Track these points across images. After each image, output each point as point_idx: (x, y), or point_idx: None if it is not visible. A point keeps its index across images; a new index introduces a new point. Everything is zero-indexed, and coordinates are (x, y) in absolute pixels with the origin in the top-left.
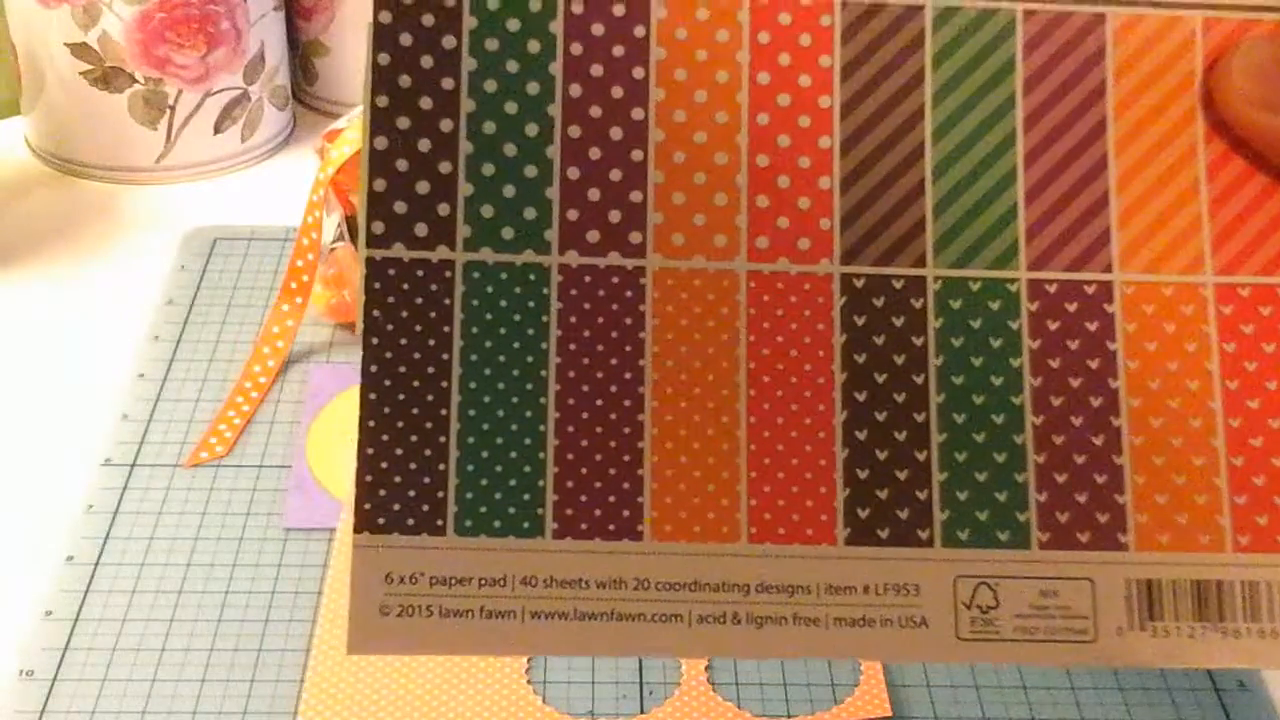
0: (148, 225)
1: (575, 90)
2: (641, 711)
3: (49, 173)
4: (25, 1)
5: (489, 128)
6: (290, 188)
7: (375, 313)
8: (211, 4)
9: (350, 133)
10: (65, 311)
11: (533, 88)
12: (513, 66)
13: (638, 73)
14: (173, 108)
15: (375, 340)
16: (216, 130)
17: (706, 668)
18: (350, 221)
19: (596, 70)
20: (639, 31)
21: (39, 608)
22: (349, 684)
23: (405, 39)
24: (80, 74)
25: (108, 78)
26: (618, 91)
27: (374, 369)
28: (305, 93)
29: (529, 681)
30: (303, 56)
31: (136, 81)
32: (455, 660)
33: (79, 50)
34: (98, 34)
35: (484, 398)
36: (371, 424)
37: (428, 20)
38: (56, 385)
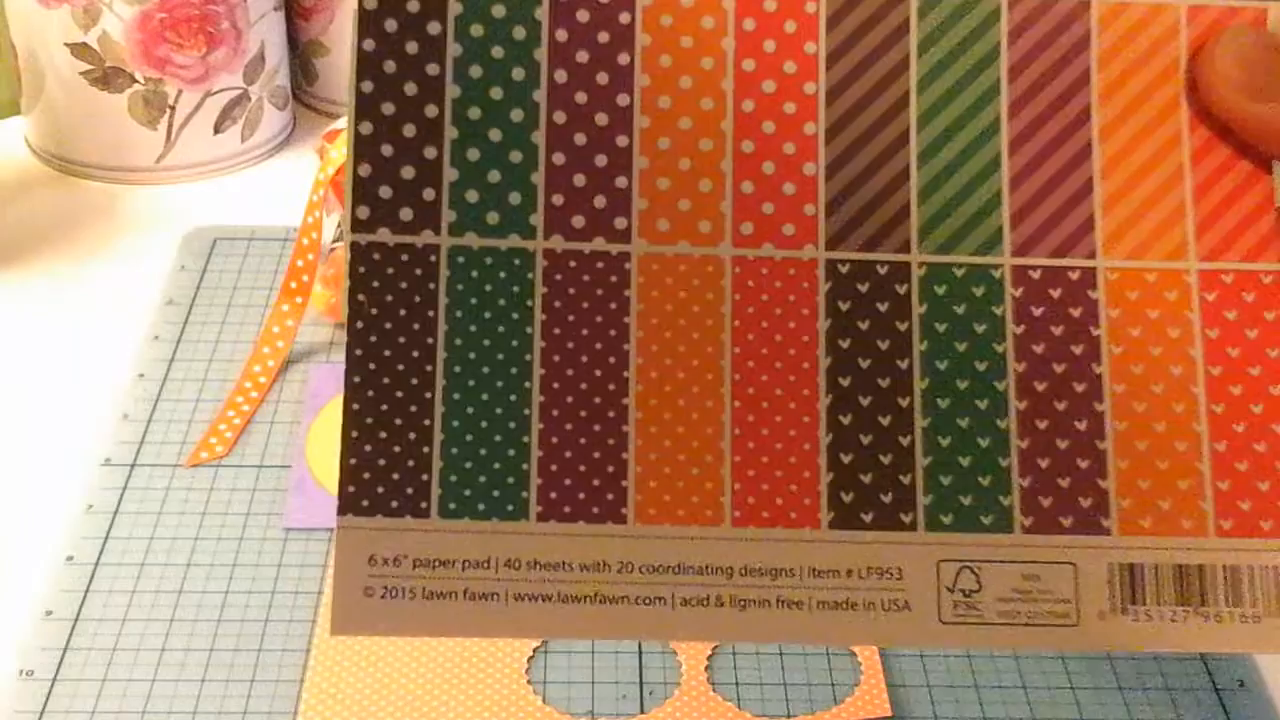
0: (148, 225)
1: (560, 76)
2: (641, 711)
3: (49, 173)
4: (25, 1)
5: (474, 113)
6: (290, 188)
7: (360, 297)
8: (211, 4)
9: None
10: (65, 311)
11: (518, 73)
12: (498, 52)
13: (623, 59)
14: (173, 108)
15: (360, 324)
16: (216, 130)
17: (706, 668)
18: None
19: (582, 56)
20: (624, 18)
21: (39, 608)
22: (349, 684)
23: (390, 25)
24: (80, 74)
25: (108, 78)
26: (603, 77)
27: (358, 353)
28: (305, 93)
29: (529, 681)
30: (303, 56)
31: (136, 81)
32: (455, 660)
33: (79, 50)
34: (98, 34)
35: (468, 381)
36: (356, 407)
37: (413, 6)
38: (56, 385)
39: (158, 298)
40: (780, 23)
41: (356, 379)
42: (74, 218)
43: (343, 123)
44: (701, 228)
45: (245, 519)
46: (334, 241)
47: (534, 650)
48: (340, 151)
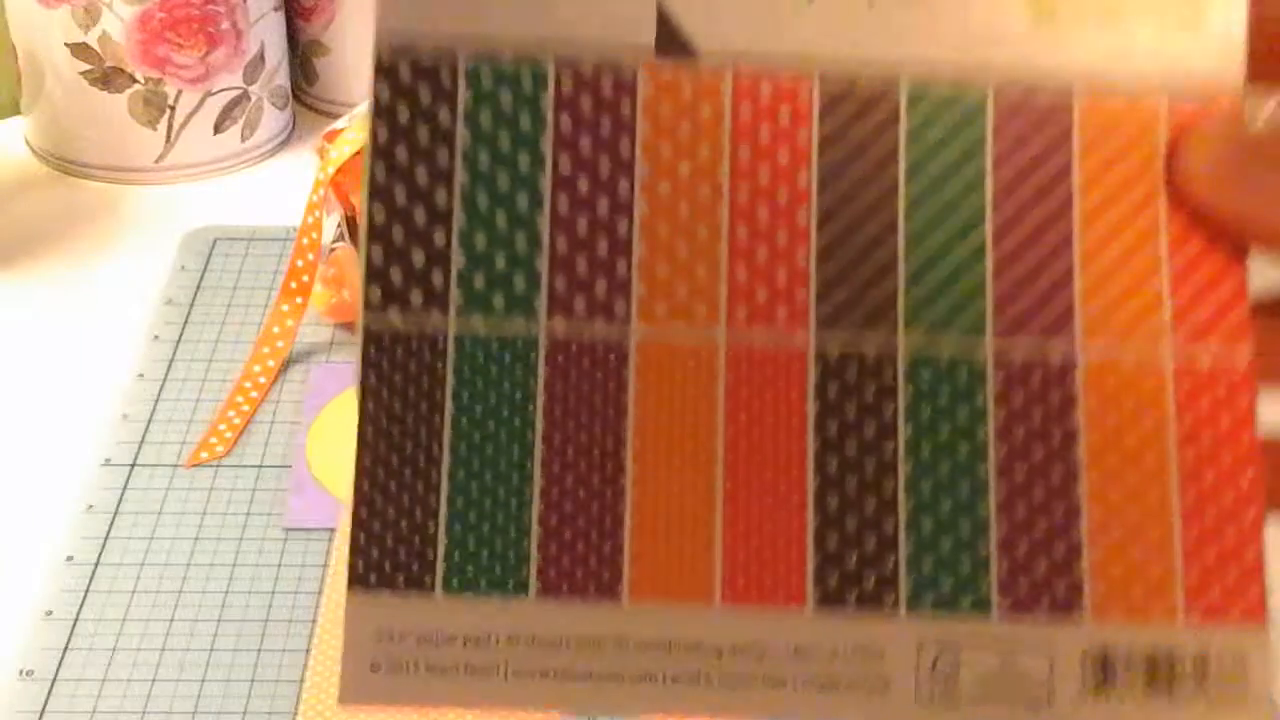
0: (148, 225)
1: (565, 165)
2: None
3: (49, 173)
4: (25, 1)
5: (481, 200)
6: (290, 188)
7: (371, 380)
8: (211, 4)
9: (350, 133)
10: (65, 311)
11: (524, 161)
12: (505, 141)
13: (624, 148)
14: (173, 108)
15: (371, 406)
16: (216, 130)
17: None
18: (350, 221)
19: (584, 145)
20: (625, 107)
21: (39, 608)
22: None
23: (403, 114)
24: (80, 74)
25: (108, 78)
26: (605, 166)
27: (369, 434)
28: (305, 93)
29: None
30: (303, 56)
31: (136, 81)
32: None
33: (79, 50)
34: (98, 34)
35: (473, 462)
36: (365, 487)
37: (424, 96)
38: (56, 385)
39: (158, 298)
40: (775, 111)
41: (367, 460)
42: (74, 218)
43: (343, 122)
44: (697, 313)
45: (245, 519)
46: (334, 241)
47: None
48: (340, 151)
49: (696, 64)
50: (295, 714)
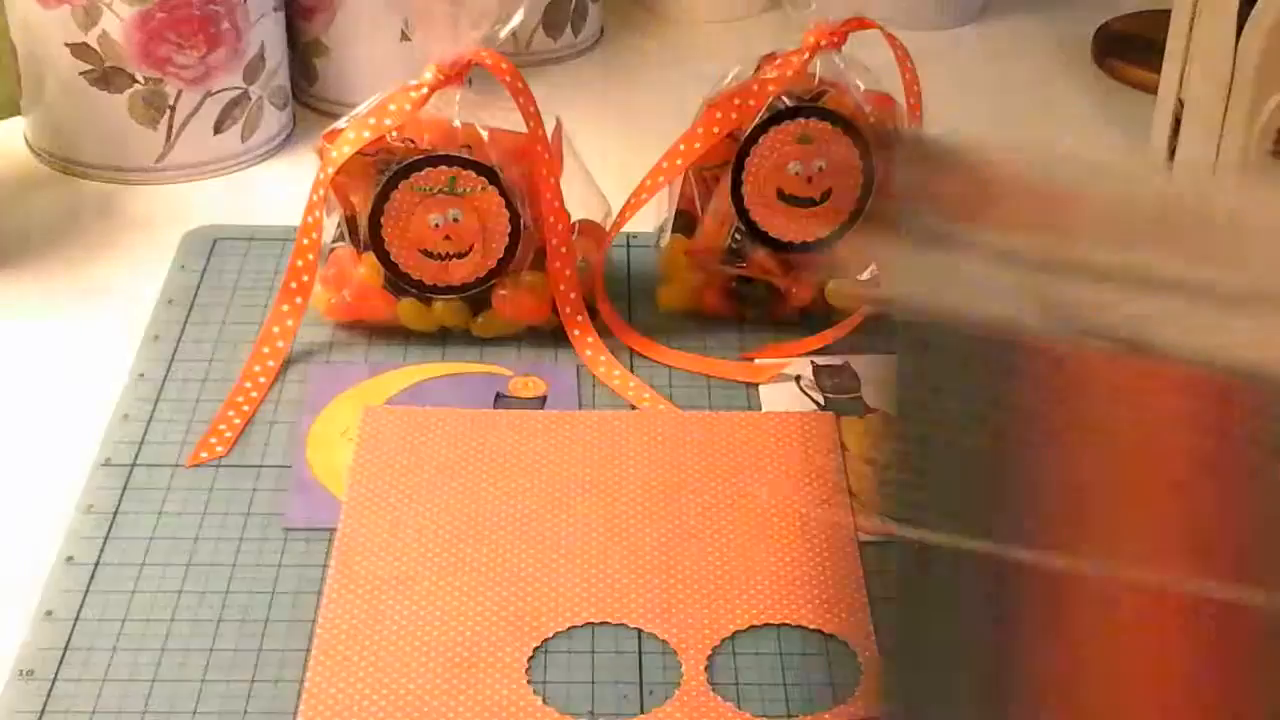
0: (148, 225)
1: (997, 417)
2: (641, 711)
3: (49, 173)
4: (25, 1)
5: (943, 440)
6: (290, 188)
7: (901, 575)
8: (211, 4)
9: (350, 133)
10: (65, 311)
11: (974, 410)
12: (957, 391)
13: (1055, 411)
14: (173, 108)
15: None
16: (216, 130)
17: (706, 668)
18: (349, 222)
19: (1019, 404)
20: (1063, 383)
21: (39, 608)
22: (349, 684)
23: (916, 383)
24: (80, 74)
25: (108, 78)
26: (1040, 421)
27: (893, 644)
28: (305, 93)
29: (529, 682)
30: (303, 56)
31: (136, 81)
32: (455, 660)
33: (79, 50)
34: (98, 34)
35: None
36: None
37: (908, 352)
38: (56, 385)
39: (158, 298)
40: (1199, 404)
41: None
42: (74, 218)
43: (343, 123)
44: (1113, 553)
45: (245, 519)
46: (334, 241)
47: (534, 650)
48: (340, 151)
49: (1129, 354)
50: (295, 714)
